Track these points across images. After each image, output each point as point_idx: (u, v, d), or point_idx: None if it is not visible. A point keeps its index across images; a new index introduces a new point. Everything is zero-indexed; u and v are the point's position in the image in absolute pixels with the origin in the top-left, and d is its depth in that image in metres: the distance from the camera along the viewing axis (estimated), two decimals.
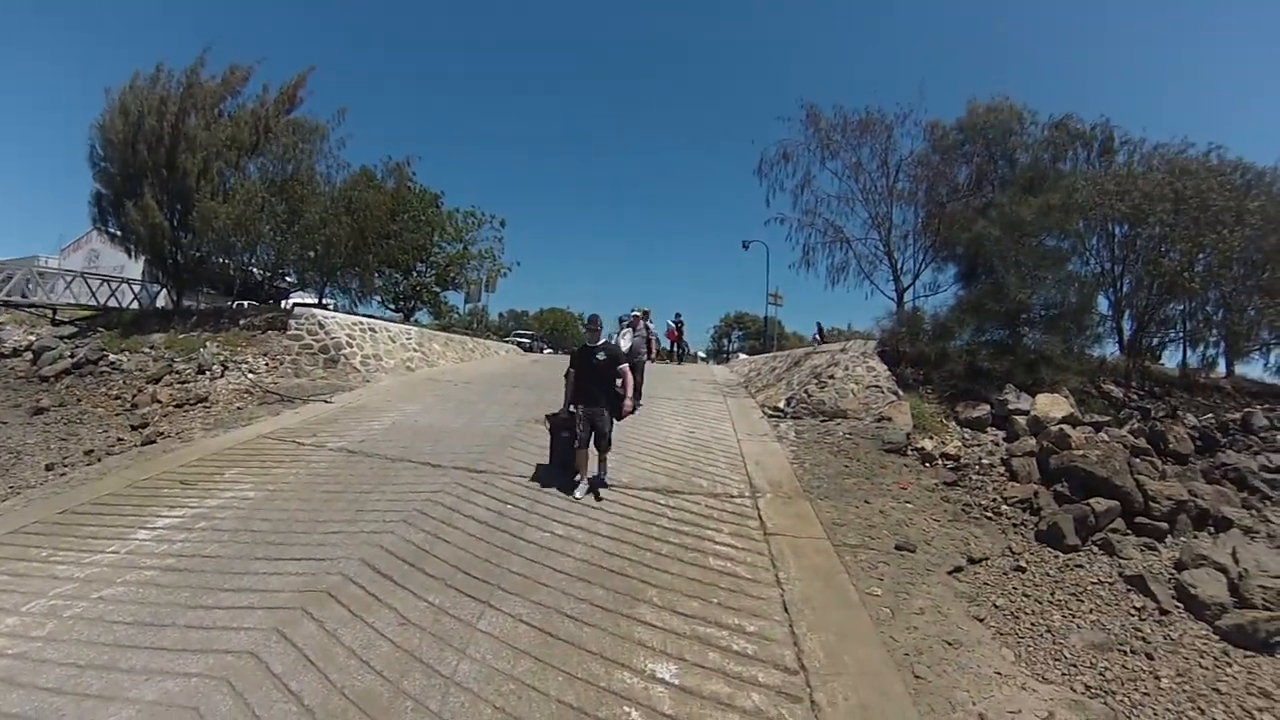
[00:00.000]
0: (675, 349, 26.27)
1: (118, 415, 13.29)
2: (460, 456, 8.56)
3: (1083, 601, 5.81)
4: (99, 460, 10.29)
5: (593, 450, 7.40)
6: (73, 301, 22.05)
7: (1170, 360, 15.09)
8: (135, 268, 24.66)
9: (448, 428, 10.18)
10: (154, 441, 10.88)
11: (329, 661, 4.13)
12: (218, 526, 6.46)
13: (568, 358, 8.68)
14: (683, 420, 11.39)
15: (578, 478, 7.38)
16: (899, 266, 17.59)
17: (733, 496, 7.56)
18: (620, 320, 13.39)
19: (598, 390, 7.34)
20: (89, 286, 22.81)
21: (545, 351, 37.28)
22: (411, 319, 29.96)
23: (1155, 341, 14.63)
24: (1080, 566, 6.40)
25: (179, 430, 11.48)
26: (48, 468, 10.39)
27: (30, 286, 21.74)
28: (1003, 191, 14.91)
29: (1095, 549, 6.72)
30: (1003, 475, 8.60)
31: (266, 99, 23.27)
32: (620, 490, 7.40)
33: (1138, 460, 8.31)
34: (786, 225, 18.88)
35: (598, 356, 7.38)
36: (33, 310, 21.01)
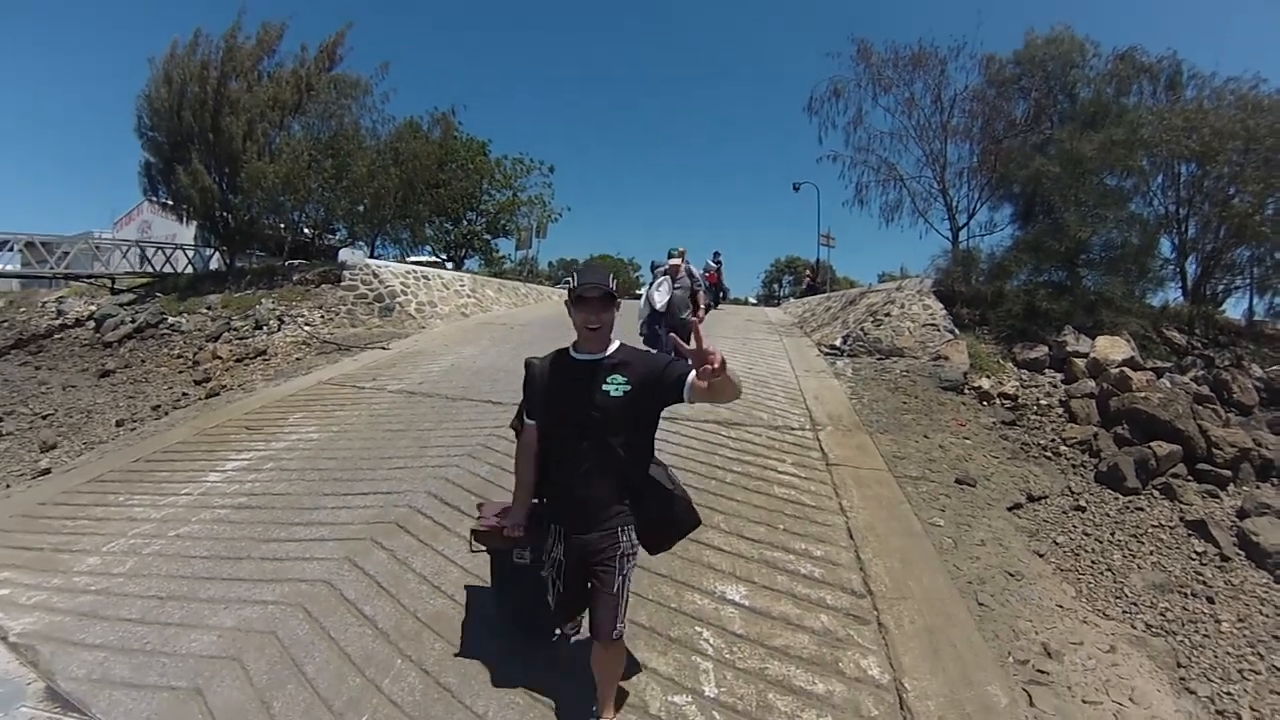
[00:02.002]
0: (714, 293, 22.95)
1: (181, 373, 13.86)
2: (521, 394, 8.68)
3: (1143, 543, 5.90)
4: (166, 414, 10.72)
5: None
6: (129, 270, 22.83)
7: (1236, 309, 14.58)
8: (187, 234, 25.53)
9: (506, 367, 10.29)
10: (217, 394, 11.35)
11: (400, 587, 4.29)
12: (285, 466, 6.70)
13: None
14: (740, 357, 11.40)
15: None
16: (954, 205, 17.24)
17: (793, 429, 7.64)
18: (653, 267, 10.50)
19: (605, 471, 2.89)
20: (145, 255, 23.65)
21: None
22: (463, 267, 30.20)
23: (1220, 288, 14.07)
24: (1140, 509, 6.46)
25: (241, 382, 11.93)
26: (118, 424, 10.89)
27: (88, 259, 22.65)
28: (1062, 127, 14.39)
29: (1156, 493, 6.75)
30: (1061, 416, 8.60)
31: (306, 58, 23.68)
32: (681, 421, 7.42)
33: (1200, 407, 8.19)
34: (839, 163, 18.59)
35: (610, 387, 2.81)
36: (91, 281, 22.02)
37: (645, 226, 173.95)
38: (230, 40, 22.29)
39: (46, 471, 8.66)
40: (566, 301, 2.81)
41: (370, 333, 15.01)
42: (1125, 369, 9.00)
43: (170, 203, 23.67)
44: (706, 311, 10.93)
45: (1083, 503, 6.53)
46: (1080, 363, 9.90)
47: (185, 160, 20.87)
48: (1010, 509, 6.31)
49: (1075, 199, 12.36)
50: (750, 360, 11.32)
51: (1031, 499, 6.57)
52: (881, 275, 24.02)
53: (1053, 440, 7.93)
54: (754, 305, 26.43)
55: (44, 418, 11.98)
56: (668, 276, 8.99)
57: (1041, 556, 5.56)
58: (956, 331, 11.43)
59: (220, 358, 14.28)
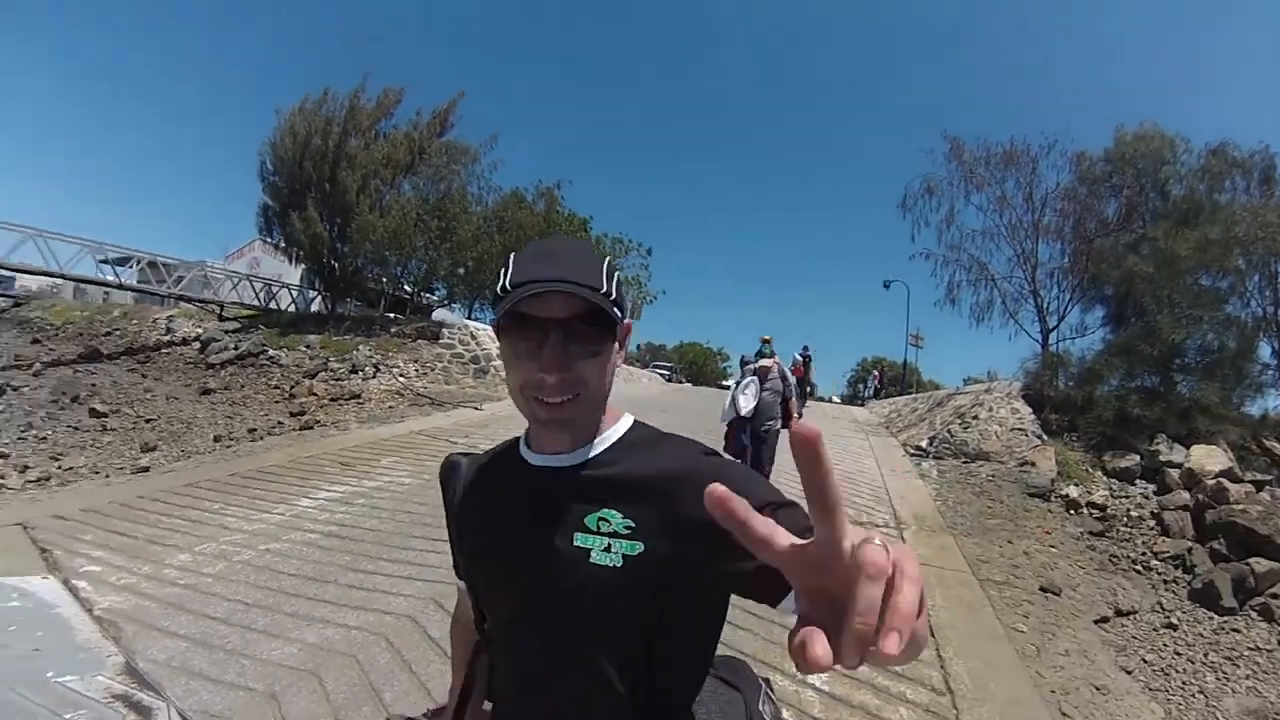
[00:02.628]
0: (801, 388, 20.70)
1: (277, 403, 14.58)
2: None
3: (1238, 666, 5.76)
4: (261, 439, 11.34)
5: None
6: (236, 300, 24.27)
7: None
8: (293, 275, 27.05)
9: None
10: (311, 428, 11.93)
11: None
12: (376, 504, 6.95)
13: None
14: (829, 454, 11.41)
15: None
16: (1045, 306, 17.12)
17: (878, 526, 7.79)
18: (743, 363, 8.85)
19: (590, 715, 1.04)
20: (252, 288, 25.19)
21: (684, 383, 38.17)
22: None
23: None
24: (1237, 630, 6.29)
25: (334, 420, 12.52)
26: (215, 439, 11.56)
27: (200, 285, 24.28)
28: (1155, 225, 14.26)
29: (1253, 613, 6.54)
30: (1153, 529, 8.44)
31: (420, 122, 25.11)
32: None
33: None
34: (930, 262, 18.76)
35: (592, 544, 1.00)
36: (201, 305, 23.42)
37: (733, 318, 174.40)
38: (354, 100, 24.10)
39: (146, 469, 9.32)
40: (495, 326, 1.10)
41: (464, 391, 15.49)
42: (1222, 480, 8.79)
43: (282, 244, 25.15)
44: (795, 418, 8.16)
45: (1174, 620, 6.42)
46: (1174, 473, 9.68)
47: (301, 206, 22.43)
48: (1097, 621, 6.27)
49: (1169, 300, 12.19)
50: (836, 457, 11.19)
51: (1120, 613, 6.50)
52: (967, 379, 23.60)
53: (1143, 553, 7.81)
54: (838, 404, 26.17)
55: (147, 421, 12.75)
56: (756, 377, 7.82)
57: (1129, 673, 5.51)
58: (1044, 437, 11.35)
59: (316, 394, 14.91)
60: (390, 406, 13.91)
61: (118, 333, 20.93)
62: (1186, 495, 8.93)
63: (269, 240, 26.42)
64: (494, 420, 12.22)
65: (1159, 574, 7.37)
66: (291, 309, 25.79)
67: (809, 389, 22.87)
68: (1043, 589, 6.62)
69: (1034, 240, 17.32)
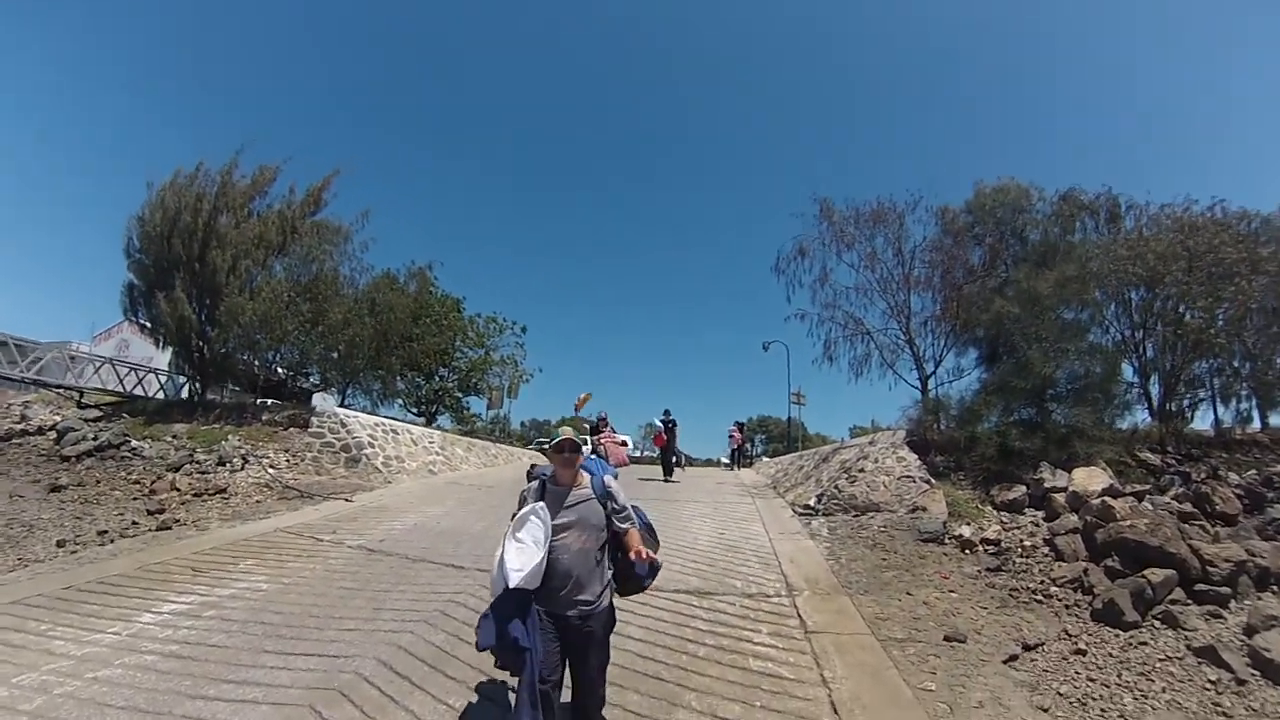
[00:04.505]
0: (665, 458, 18.93)
1: (135, 500, 13.32)
2: (484, 559, 8.26)
3: (1153, 680, 5.43)
4: (112, 541, 10.28)
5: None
6: (100, 386, 22.86)
7: (1203, 420, 14.61)
8: (163, 359, 25.79)
9: (471, 530, 10.02)
10: (169, 528, 11.02)
11: None
12: (227, 616, 6.33)
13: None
14: (710, 522, 11.11)
15: None
16: (921, 354, 17.43)
17: (769, 596, 7.24)
18: (529, 475, 4.36)
19: None
20: (117, 374, 23.79)
21: None
22: (434, 423, 30.20)
23: (1185, 403, 14.20)
24: (1144, 643, 6.02)
25: (195, 519, 11.63)
26: (59, 544, 10.23)
27: (60, 369, 22.47)
28: (1017, 269, 14.94)
29: (1157, 623, 6.33)
30: (1048, 556, 8.23)
31: (293, 200, 24.42)
32: (651, 593, 7.01)
33: (1187, 526, 7.97)
34: (807, 321, 18.80)
35: None
36: (60, 391, 21.75)
37: (619, 389, 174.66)
38: (226, 176, 23.19)
39: None
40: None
41: (335, 482, 14.67)
42: (1106, 498, 8.78)
43: (148, 325, 23.68)
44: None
45: (1082, 645, 6.06)
46: (1060, 498, 9.68)
47: (169, 286, 21.13)
48: (1006, 661, 5.83)
49: (1036, 336, 12.58)
50: (722, 525, 10.96)
51: (1027, 648, 6.09)
52: (853, 429, 23.84)
53: (1042, 582, 7.52)
54: (726, 466, 25.83)
55: None
56: (540, 487, 4.05)
57: (1046, 711, 5.05)
58: (932, 481, 11.21)
59: (179, 489, 13.82)
60: (257, 501, 13.00)
61: None
62: (1075, 518, 8.84)
63: (136, 321, 25.05)
64: (364, 513, 11.49)
65: (1060, 600, 7.07)
66: (160, 395, 24.39)
67: (676, 458, 20.04)
68: (947, 638, 6.20)
69: (906, 292, 17.71)
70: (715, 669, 5.33)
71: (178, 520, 11.50)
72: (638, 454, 27.16)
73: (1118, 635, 6.22)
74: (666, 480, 17.79)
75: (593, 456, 8.76)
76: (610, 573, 3.95)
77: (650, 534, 4.22)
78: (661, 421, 19.16)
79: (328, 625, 6.09)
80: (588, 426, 10.53)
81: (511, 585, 3.51)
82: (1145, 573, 6.84)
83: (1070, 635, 6.31)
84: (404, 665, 5.20)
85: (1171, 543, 7.12)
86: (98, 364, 23.64)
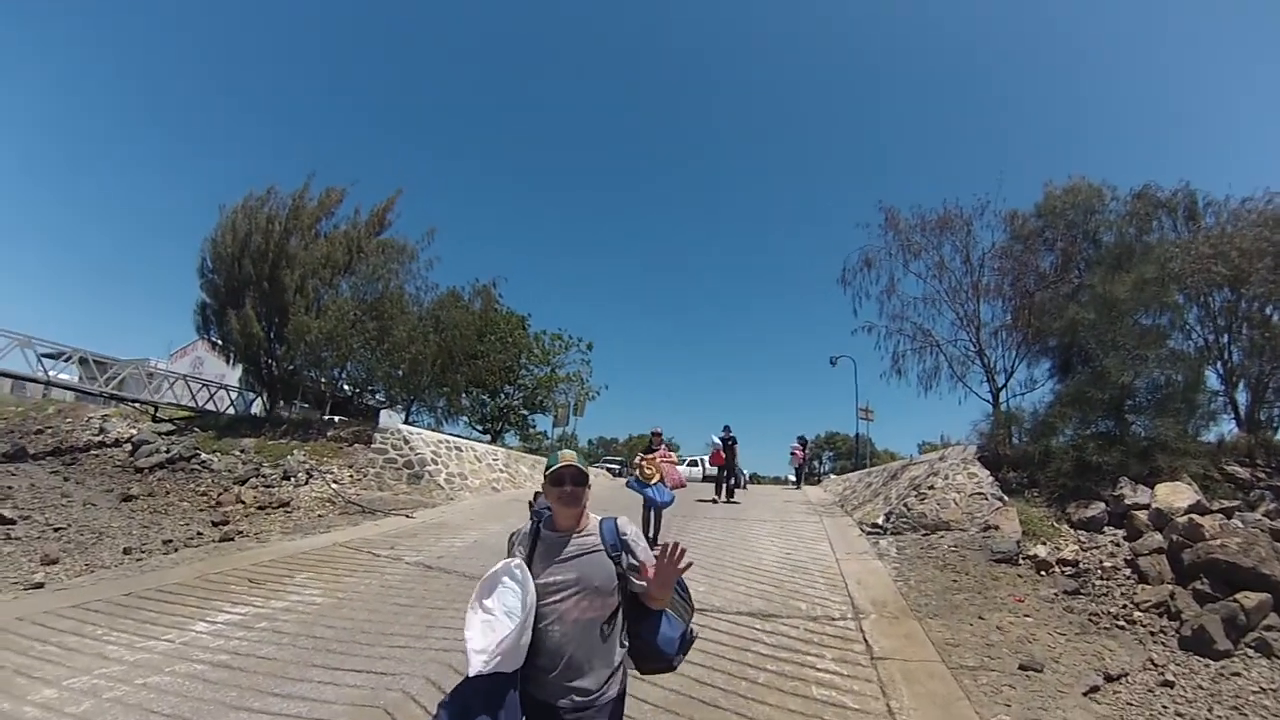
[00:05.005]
0: (724, 478, 17.80)
1: (201, 510, 13.93)
2: None
3: (1246, 715, 5.16)
4: (176, 550, 10.69)
5: None
6: (174, 401, 23.68)
7: None
8: (234, 376, 26.81)
9: None
10: (231, 539, 11.44)
11: None
12: (279, 629, 6.43)
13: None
14: (777, 541, 10.98)
15: None
16: (991, 365, 16.90)
17: (834, 619, 7.09)
18: (531, 507, 3.42)
19: None
20: (190, 389, 24.74)
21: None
22: (499, 441, 30.41)
23: (1276, 411, 13.31)
24: (1237, 674, 5.72)
25: (257, 531, 12.06)
26: (125, 551, 10.74)
27: (138, 384, 23.62)
28: (1091, 273, 14.36)
29: (1251, 651, 6.01)
30: (1130, 578, 7.87)
31: (358, 220, 25.42)
32: (713, 614, 6.94)
33: None
34: (874, 334, 18.44)
35: None
36: (137, 406, 22.60)
37: (683, 406, 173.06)
38: (297, 199, 24.32)
39: (40, 585, 8.55)
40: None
41: (397, 498, 15.02)
42: (1193, 515, 8.35)
43: (220, 343, 24.71)
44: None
45: (1170, 676, 5.76)
46: (1142, 515, 9.20)
47: (239, 305, 22.10)
48: (1086, 693, 5.57)
49: (1113, 343, 12.04)
50: (788, 544, 10.81)
51: (1110, 679, 5.81)
52: (921, 445, 23.17)
53: (1124, 606, 7.19)
54: (792, 484, 25.21)
55: (56, 530, 11.72)
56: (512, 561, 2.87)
57: None
58: (1005, 498, 10.83)
59: (243, 502, 14.42)
60: (319, 515, 13.42)
61: (49, 431, 19.83)
62: (1159, 537, 8.42)
63: (208, 339, 25.93)
64: (424, 529, 11.69)
65: (1144, 626, 6.76)
66: (230, 411, 25.21)
67: (736, 478, 18.68)
68: (1022, 667, 5.96)
69: (975, 301, 17.25)
70: (775, 696, 5.20)
71: (240, 532, 11.96)
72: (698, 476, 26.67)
73: (1208, 665, 5.93)
74: (728, 501, 16.88)
75: (655, 483, 8.35)
76: (624, 650, 2.75)
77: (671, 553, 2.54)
78: (720, 439, 17.86)
79: (378, 641, 6.18)
80: (651, 444, 10.25)
81: (472, 673, 2.51)
82: (1238, 596, 6.52)
83: (1156, 665, 6.01)
84: (453, 685, 5.17)
85: (1267, 563, 6.77)
86: (172, 380, 24.61)
